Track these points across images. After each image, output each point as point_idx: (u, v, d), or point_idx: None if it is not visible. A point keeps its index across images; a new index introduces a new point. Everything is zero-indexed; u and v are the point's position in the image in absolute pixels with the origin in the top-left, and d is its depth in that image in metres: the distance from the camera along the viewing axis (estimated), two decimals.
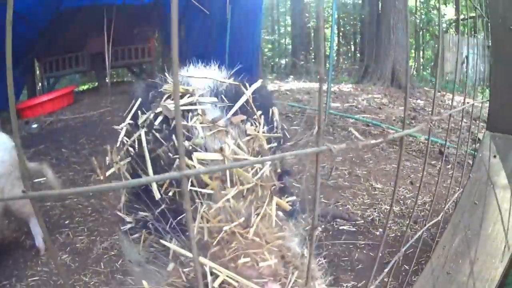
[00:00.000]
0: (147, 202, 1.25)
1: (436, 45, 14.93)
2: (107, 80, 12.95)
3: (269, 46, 17.76)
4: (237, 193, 1.13)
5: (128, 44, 13.71)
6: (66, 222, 4.32)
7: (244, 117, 1.32)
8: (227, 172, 1.15)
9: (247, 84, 1.39)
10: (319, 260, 2.91)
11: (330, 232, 3.51)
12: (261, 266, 0.99)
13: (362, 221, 3.70)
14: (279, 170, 1.30)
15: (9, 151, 3.75)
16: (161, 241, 1.13)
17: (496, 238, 1.58)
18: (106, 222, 4.14)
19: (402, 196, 4.24)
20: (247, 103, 1.39)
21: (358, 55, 14.39)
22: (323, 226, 3.61)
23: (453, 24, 15.42)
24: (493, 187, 1.61)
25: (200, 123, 1.26)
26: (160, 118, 1.32)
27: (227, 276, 0.94)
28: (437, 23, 14.31)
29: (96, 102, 10.95)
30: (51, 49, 13.26)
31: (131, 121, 1.40)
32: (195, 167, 1.14)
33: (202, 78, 1.43)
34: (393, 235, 3.48)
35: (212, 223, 1.07)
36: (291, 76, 13.52)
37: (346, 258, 3.16)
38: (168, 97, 1.33)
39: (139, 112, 1.39)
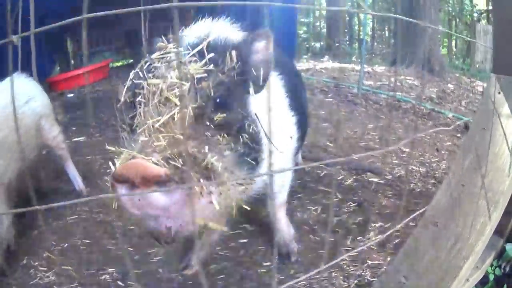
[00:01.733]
0: None
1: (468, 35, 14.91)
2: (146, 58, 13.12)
3: (304, 28, 17.79)
4: (163, 102, 1.58)
5: (163, 21, 13.57)
6: (108, 171, 4.57)
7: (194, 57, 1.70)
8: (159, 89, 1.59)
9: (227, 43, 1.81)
10: (349, 203, 3.32)
11: (361, 183, 3.90)
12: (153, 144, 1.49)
13: (391, 176, 4.06)
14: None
15: (46, 96, 4.00)
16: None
17: (502, 156, 1.89)
18: None
19: (428, 160, 4.57)
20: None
21: (392, 40, 14.44)
22: (354, 177, 4.01)
23: (484, 14, 15.36)
24: (498, 116, 1.96)
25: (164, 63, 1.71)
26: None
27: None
28: (469, 12, 14.35)
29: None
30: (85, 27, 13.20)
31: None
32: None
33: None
34: (419, 190, 3.84)
35: (140, 120, 1.60)
36: (326, 56, 13.68)
37: (375, 204, 3.53)
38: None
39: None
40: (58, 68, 13.21)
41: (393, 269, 1.98)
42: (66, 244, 3.25)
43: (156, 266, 2.93)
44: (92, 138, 5.81)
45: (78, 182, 4.15)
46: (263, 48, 1.81)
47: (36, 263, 3.06)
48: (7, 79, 3.90)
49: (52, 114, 3.99)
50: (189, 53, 1.71)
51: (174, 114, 1.53)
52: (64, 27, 12.06)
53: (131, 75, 1.76)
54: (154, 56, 1.74)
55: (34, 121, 3.68)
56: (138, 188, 1.33)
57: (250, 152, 1.69)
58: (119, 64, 16.54)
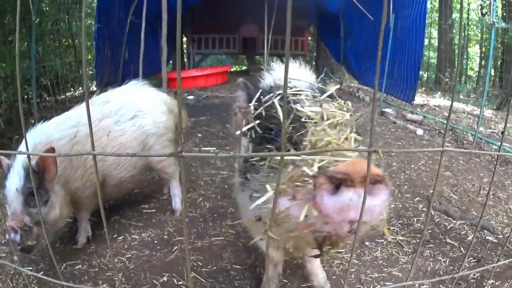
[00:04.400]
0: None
1: None
2: (262, 67, 13.21)
3: None
4: (331, 124, 1.68)
5: (282, 34, 13.32)
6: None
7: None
8: (325, 115, 1.73)
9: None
10: (470, 258, 3.69)
11: (480, 240, 4.25)
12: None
13: (502, 236, 4.35)
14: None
15: (167, 115, 3.84)
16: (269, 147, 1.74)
17: None
18: None
19: None
20: (332, 96, 1.98)
21: (497, 80, 14.12)
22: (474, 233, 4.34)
23: None
24: None
25: (305, 97, 1.88)
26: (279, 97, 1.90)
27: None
28: None
29: None
30: (202, 27, 13.47)
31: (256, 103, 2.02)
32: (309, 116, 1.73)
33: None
34: None
35: (317, 136, 1.62)
36: (438, 92, 13.67)
37: (490, 262, 3.78)
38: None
39: (261, 97, 1.98)
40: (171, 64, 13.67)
41: None
42: (215, 267, 3.29)
43: None
44: (222, 150, 5.92)
45: (176, 202, 4.11)
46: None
47: (181, 283, 3.09)
48: (123, 87, 3.97)
49: (168, 134, 3.86)
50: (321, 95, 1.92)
51: (348, 135, 1.63)
52: (182, 25, 12.65)
53: (276, 101, 1.87)
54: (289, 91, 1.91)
55: (139, 139, 3.62)
56: (346, 190, 1.29)
57: None
58: (233, 69, 16.87)
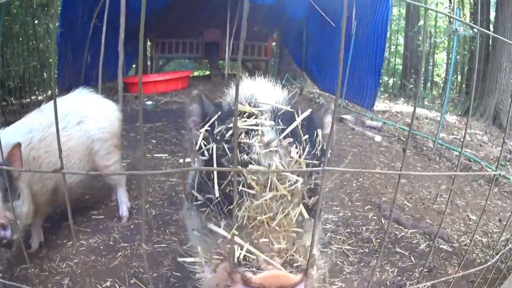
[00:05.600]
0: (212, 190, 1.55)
1: None
2: (224, 72, 13.41)
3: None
4: (273, 196, 1.47)
5: (246, 40, 13.67)
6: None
7: (291, 139, 1.59)
8: (269, 180, 1.49)
9: (299, 111, 1.68)
10: (421, 269, 3.61)
11: (433, 249, 4.17)
12: (274, 247, 1.39)
13: (457, 244, 4.26)
14: (312, 186, 1.58)
15: (111, 121, 3.91)
16: (210, 225, 1.54)
17: None
18: None
19: (490, 230, 4.72)
20: (297, 127, 1.63)
21: (464, 86, 14.28)
22: (427, 242, 4.28)
23: None
24: None
25: (258, 143, 1.56)
26: (230, 132, 1.63)
27: (248, 249, 1.36)
28: None
29: (211, 91, 11.02)
30: (166, 31, 13.57)
31: (208, 128, 1.72)
32: (247, 175, 1.48)
33: (265, 104, 1.74)
34: (479, 261, 3.98)
35: (251, 213, 1.46)
36: (402, 99, 13.75)
37: (442, 272, 3.72)
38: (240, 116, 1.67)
39: (215, 123, 1.72)
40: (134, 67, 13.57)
41: None
42: (155, 274, 3.33)
43: None
44: (174, 157, 6.01)
45: (123, 209, 4.20)
46: (329, 123, 1.77)
47: None
48: (71, 94, 4.03)
49: (112, 139, 3.93)
50: (278, 129, 1.64)
51: (289, 212, 1.47)
52: (145, 28, 12.58)
53: (213, 145, 1.63)
54: (241, 125, 1.63)
55: (85, 144, 3.68)
56: None
57: None
58: (195, 73, 16.86)
